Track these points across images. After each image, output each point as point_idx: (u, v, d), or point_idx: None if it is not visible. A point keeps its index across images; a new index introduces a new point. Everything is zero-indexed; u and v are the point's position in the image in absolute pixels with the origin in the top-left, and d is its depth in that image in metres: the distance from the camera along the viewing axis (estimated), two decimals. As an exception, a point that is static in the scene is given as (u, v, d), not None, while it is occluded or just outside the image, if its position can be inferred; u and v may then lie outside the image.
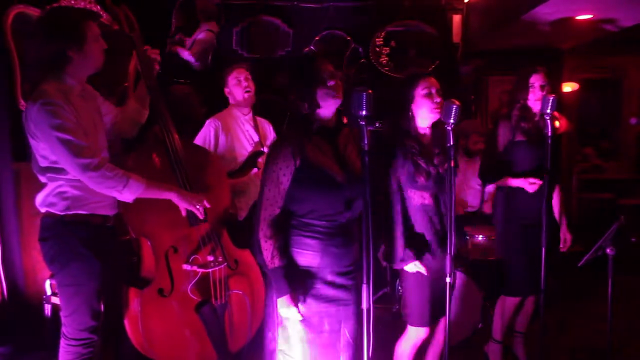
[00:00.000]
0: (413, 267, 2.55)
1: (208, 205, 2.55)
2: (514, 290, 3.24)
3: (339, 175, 2.13)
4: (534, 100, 3.12)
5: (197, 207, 2.51)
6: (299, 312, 2.15)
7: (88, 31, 2.33)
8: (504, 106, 5.28)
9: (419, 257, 2.56)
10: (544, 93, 3.08)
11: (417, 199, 2.57)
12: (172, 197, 2.46)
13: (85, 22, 2.33)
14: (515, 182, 3.11)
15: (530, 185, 3.05)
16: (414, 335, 2.68)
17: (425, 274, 2.54)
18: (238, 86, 3.41)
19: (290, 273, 2.14)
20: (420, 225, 2.58)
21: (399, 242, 2.54)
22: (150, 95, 2.65)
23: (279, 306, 2.15)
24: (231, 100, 3.47)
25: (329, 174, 2.12)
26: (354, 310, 2.26)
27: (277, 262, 2.12)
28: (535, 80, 3.12)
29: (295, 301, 2.14)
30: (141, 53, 2.66)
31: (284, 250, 2.14)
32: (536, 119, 3.14)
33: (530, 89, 3.12)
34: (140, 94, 2.69)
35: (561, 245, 3.33)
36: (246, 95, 3.41)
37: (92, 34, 2.35)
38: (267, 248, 2.12)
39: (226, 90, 3.46)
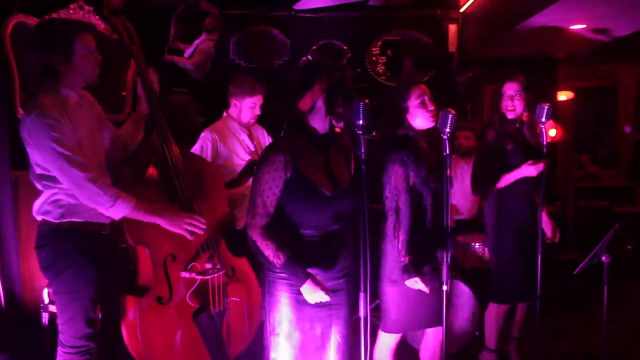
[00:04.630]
0: (414, 283, 2.52)
1: (203, 226, 2.51)
2: (504, 298, 3.24)
3: (328, 188, 2.15)
4: (505, 109, 3.14)
5: (188, 225, 2.48)
6: (324, 293, 2.14)
7: (78, 45, 2.33)
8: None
9: (420, 271, 2.54)
10: (515, 102, 3.11)
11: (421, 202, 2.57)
12: (160, 222, 2.44)
13: (76, 36, 2.33)
14: (514, 175, 3.08)
15: (529, 166, 3.01)
16: (387, 340, 2.69)
17: (427, 291, 2.52)
18: (251, 110, 3.41)
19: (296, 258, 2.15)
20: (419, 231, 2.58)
21: (402, 251, 2.52)
22: (149, 105, 2.66)
23: (305, 294, 2.15)
24: (234, 114, 3.46)
25: (318, 188, 2.13)
26: (345, 312, 2.29)
27: (283, 257, 2.13)
28: (507, 89, 3.13)
29: (317, 283, 2.14)
30: (141, 64, 2.67)
31: (283, 244, 2.15)
32: (517, 125, 3.16)
33: (502, 98, 3.14)
34: (137, 117, 2.68)
35: (549, 236, 3.29)
36: (252, 121, 3.44)
37: (82, 47, 2.34)
38: (270, 252, 2.14)
39: (237, 102, 3.42)
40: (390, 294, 2.63)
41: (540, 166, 3.02)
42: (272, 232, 2.15)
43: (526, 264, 3.03)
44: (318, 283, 2.15)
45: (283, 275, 2.19)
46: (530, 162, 3.03)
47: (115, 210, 2.33)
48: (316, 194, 2.13)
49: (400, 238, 2.52)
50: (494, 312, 3.27)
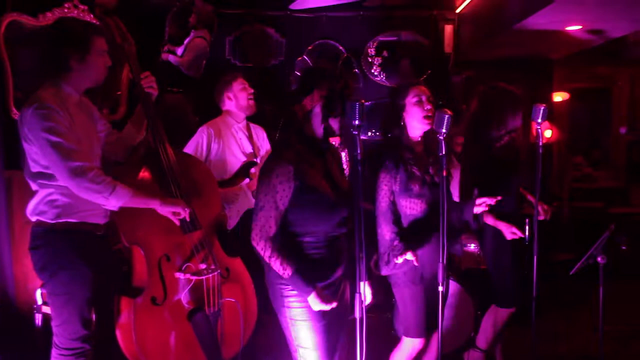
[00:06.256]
0: (403, 258, 2.47)
1: (186, 213, 2.53)
2: (510, 302, 3.22)
3: (332, 195, 2.16)
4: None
5: (182, 211, 2.49)
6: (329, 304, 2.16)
7: (94, 45, 2.38)
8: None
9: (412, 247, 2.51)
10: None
11: (412, 207, 2.57)
12: (155, 205, 2.44)
13: (93, 36, 2.39)
14: (493, 222, 3.04)
15: (511, 234, 2.96)
16: (409, 346, 2.68)
17: (416, 264, 2.48)
18: (244, 91, 3.42)
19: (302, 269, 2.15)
20: (414, 233, 2.58)
21: (386, 244, 2.53)
22: (142, 105, 2.66)
23: (311, 305, 2.15)
24: (232, 107, 3.44)
25: (324, 195, 2.15)
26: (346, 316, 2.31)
27: (289, 270, 2.12)
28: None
29: (321, 295, 2.14)
30: (133, 62, 2.67)
31: (288, 255, 2.15)
32: (513, 135, 3.14)
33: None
34: (136, 119, 2.69)
35: (542, 217, 3.17)
36: (250, 101, 3.43)
37: (97, 48, 2.39)
38: (277, 266, 2.13)
39: (229, 94, 3.41)
40: (403, 298, 2.63)
41: (516, 234, 2.96)
42: (278, 244, 2.14)
43: (521, 265, 3.02)
44: (322, 295, 2.15)
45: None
46: (513, 229, 2.96)
47: (115, 197, 2.30)
48: (322, 201, 2.14)
49: (387, 237, 2.54)
50: (494, 315, 3.25)
